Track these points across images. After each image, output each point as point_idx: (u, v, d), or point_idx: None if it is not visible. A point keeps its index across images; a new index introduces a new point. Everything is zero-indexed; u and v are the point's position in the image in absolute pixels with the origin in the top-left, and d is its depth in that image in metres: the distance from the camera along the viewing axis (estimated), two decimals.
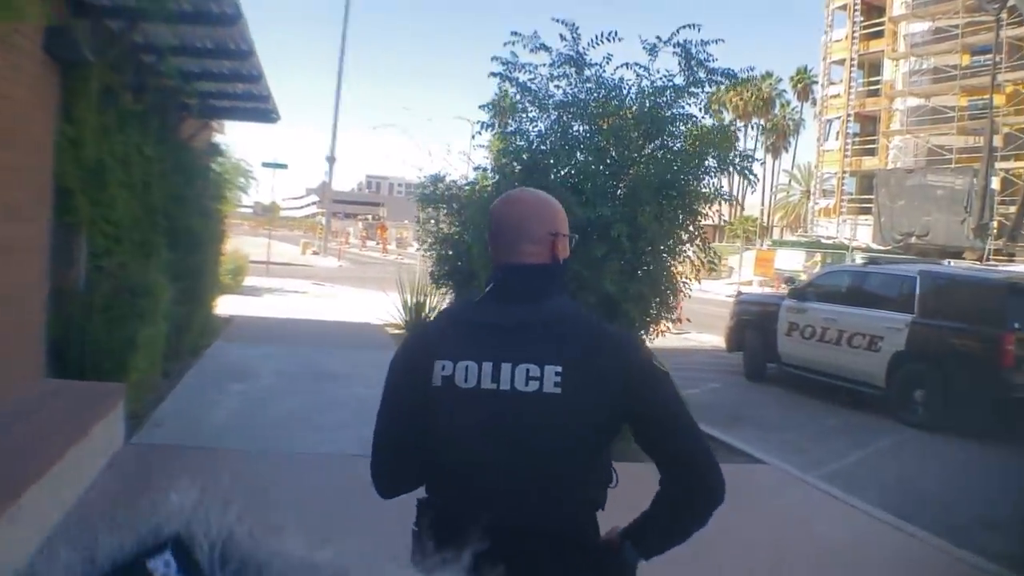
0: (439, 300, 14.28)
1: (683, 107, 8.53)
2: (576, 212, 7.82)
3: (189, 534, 0.85)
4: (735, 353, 14.55)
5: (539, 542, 1.97)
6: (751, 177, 8.92)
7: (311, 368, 11.05)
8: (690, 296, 8.98)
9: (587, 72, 8.57)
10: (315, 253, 44.12)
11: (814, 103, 64.81)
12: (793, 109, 77.80)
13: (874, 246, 38.21)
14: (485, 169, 9.19)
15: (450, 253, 12.35)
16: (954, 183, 37.55)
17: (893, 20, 44.66)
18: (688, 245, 8.80)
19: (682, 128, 8.58)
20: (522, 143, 8.57)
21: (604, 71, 8.57)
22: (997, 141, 36.48)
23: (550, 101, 8.68)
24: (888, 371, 11.34)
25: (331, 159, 41.88)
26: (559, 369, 1.98)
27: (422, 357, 2.10)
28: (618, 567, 2.11)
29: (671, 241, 8.50)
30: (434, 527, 1.91)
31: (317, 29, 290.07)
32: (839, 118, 49.45)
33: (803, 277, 35.15)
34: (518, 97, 8.74)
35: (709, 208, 9.05)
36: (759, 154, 79.98)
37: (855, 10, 47.10)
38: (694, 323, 20.28)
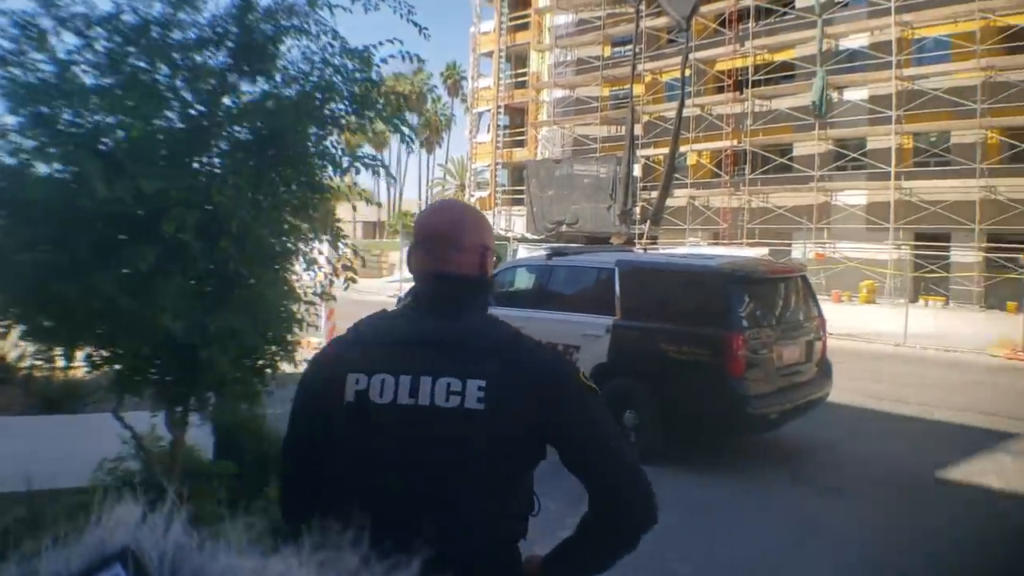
0: None
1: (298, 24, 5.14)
2: (98, 189, 4.17)
3: (138, 547, 0.83)
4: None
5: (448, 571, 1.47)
6: (405, 132, 5.71)
7: None
8: (312, 322, 5.58)
9: None
10: None
11: (464, 99, 63.92)
12: (444, 104, 77.10)
13: (529, 236, 37.19)
14: None
15: None
16: (599, 171, 37.26)
17: (539, 12, 43.65)
18: (313, 240, 5.43)
19: (298, 56, 5.18)
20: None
21: None
22: (638, 130, 36.40)
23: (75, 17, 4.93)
24: None
25: None
26: (482, 383, 1.80)
27: (334, 371, 1.89)
28: None
29: (284, 235, 5.09)
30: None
31: None
32: (489, 110, 48.08)
33: None
34: None
35: (343, 179, 5.70)
36: (413, 149, 79.04)
37: (503, 2, 45.79)
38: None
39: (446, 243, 1.97)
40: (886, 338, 18.63)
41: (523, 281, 9.89)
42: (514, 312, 9.33)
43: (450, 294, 1.95)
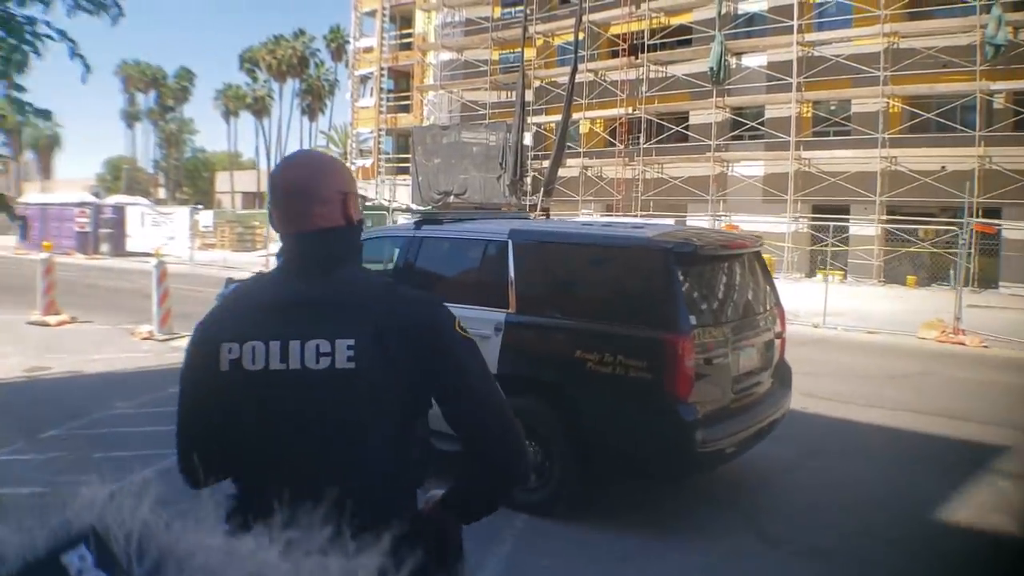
0: None
1: None
2: None
3: (104, 527, 0.82)
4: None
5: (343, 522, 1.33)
6: None
7: None
8: None
9: None
10: None
11: (348, 63, 60.42)
12: (328, 69, 73.27)
13: (413, 206, 34.46)
14: None
15: None
16: (488, 139, 34.82)
17: None
18: None
19: None
20: None
21: None
22: (529, 95, 34.03)
23: None
24: None
25: None
26: (351, 343, 1.79)
27: (209, 341, 1.87)
28: (436, 536, 1.90)
29: None
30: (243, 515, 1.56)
31: None
32: (372, 73, 44.74)
33: None
34: None
35: None
36: (296, 116, 74.98)
37: None
38: (198, 317, 13.94)
39: (304, 197, 1.89)
40: (803, 318, 16.70)
41: (382, 258, 7.18)
42: None
43: (317, 251, 1.88)
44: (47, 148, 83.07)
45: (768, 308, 6.53)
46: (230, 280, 8.54)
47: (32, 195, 51.87)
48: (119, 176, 79.07)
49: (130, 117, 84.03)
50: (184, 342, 11.51)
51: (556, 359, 5.66)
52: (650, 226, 6.61)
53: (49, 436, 7.46)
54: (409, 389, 1.82)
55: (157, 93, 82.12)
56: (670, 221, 24.05)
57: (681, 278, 5.41)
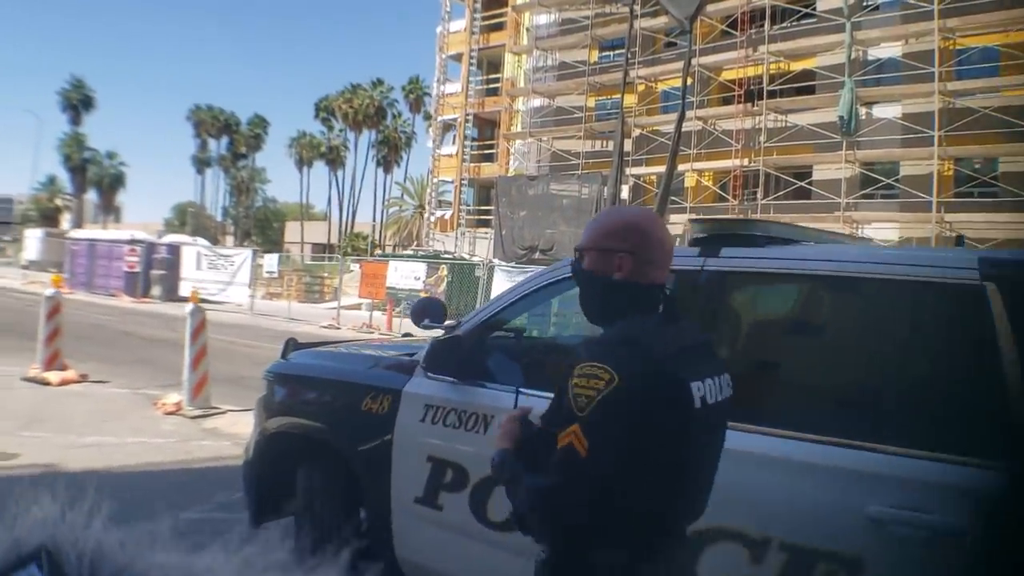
0: None
1: None
2: None
3: (56, 546, 0.80)
4: (278, 524, 4.85)
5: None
6: None
7: None
8: None
9: None
10: None
11: (427, 116, 58.41)
12: (405, 121, 71.45)
13: (496, 261, 31.46)
14: None
15: None
16: (580, 191, 31.97)
17: (516, 10, 38.04)
18: None
19: None
20: None
21: None
22: (627, 145, 31.09)
23: None
24: None
25: None
26: (729, 378, 2.03)
27: (678, 381, 1.86)
28: None
29: None
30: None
31: None
32: (456, 120, 42.19)
33: (426, 296, 27.60)
34: None
35: None
36: (370, 167, 73.02)
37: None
38: (249, 382, 10.12)
39: (671, 255, 2.06)
40: None
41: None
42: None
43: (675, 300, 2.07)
44: (111, 187, 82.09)
45: None
46: (292, 342, 5.37)
47: (83, 231, 49.66)
48: (186, 221, 77.98)
49: (200, 163, 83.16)
50: (222, 421, 7.49)
51: None
52: None
53: None
54: None
55: (229, 140, 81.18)
56: None
57: None
